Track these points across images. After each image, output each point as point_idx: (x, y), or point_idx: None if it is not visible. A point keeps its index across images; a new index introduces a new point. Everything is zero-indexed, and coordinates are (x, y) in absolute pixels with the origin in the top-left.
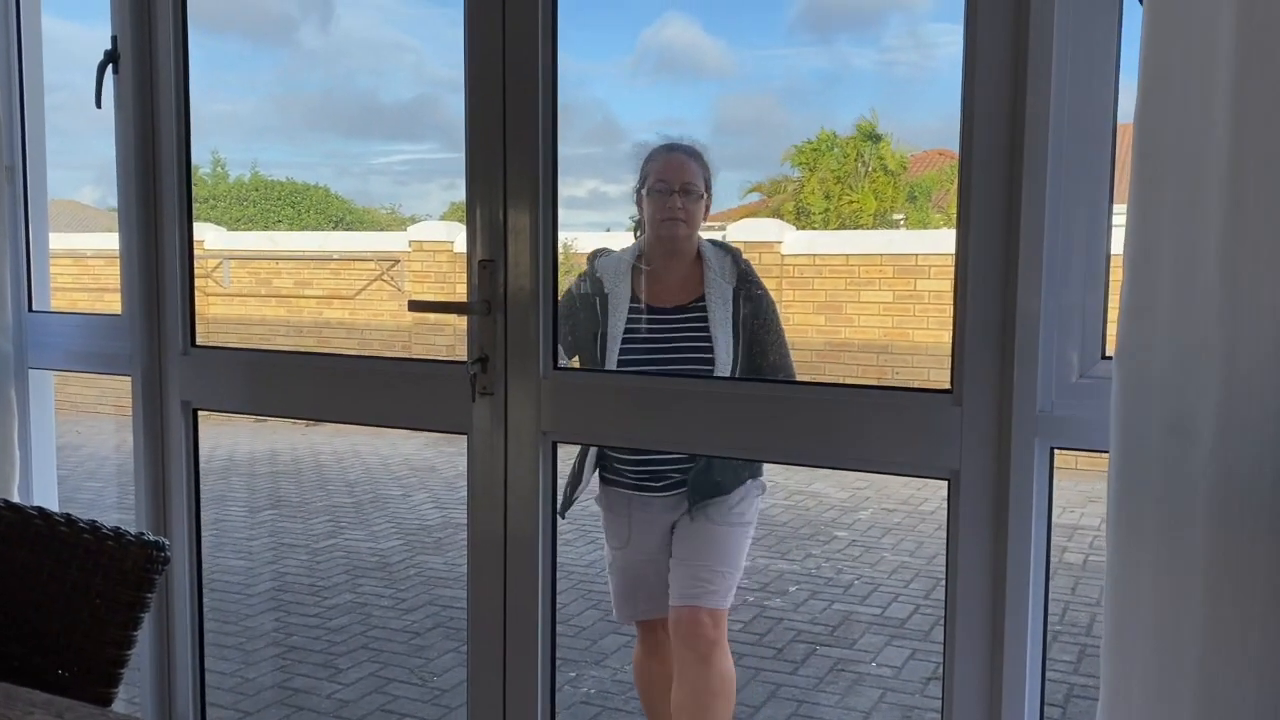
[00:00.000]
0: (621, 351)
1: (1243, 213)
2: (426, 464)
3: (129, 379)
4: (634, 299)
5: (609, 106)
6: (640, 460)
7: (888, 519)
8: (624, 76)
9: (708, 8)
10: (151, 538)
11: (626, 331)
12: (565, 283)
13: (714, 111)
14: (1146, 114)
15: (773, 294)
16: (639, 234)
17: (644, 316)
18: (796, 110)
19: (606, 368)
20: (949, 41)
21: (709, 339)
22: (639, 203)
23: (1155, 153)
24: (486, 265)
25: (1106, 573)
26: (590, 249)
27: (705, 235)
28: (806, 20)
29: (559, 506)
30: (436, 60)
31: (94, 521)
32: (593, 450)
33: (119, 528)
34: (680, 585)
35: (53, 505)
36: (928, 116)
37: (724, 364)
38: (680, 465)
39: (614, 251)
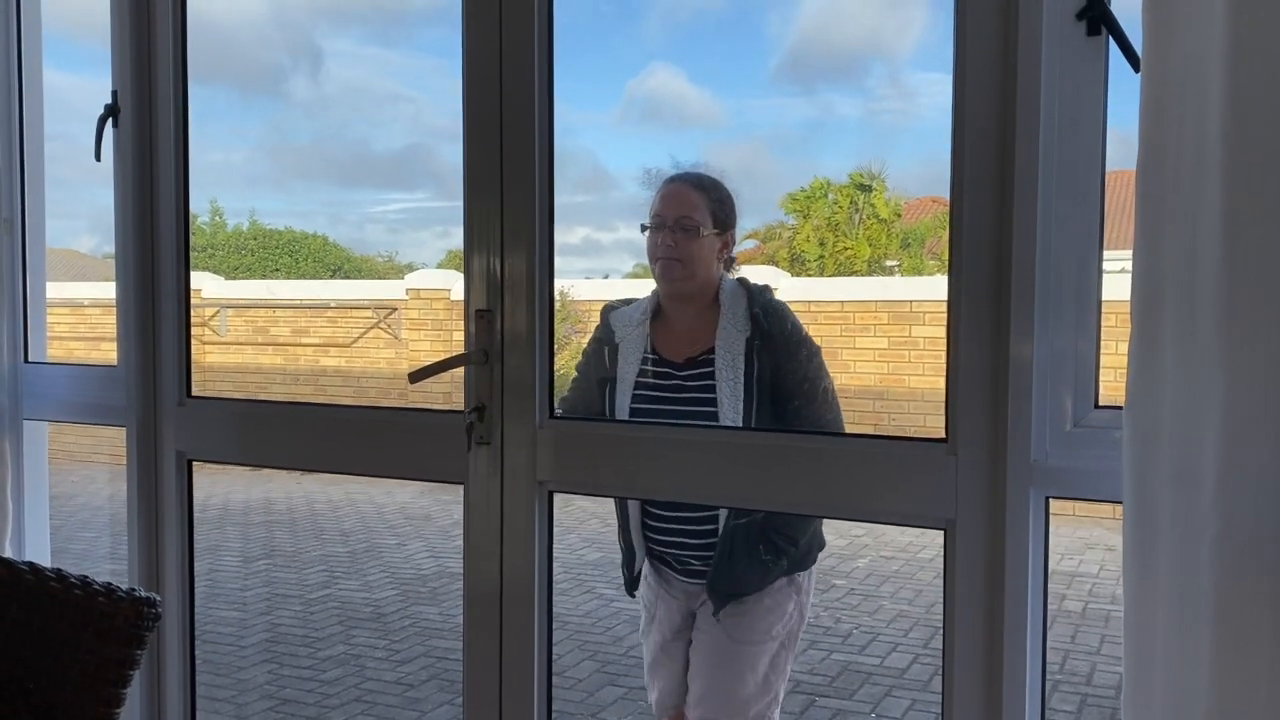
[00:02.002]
0: (632, 411)
1: (1237, 262)
2: (422, 512)
3: (124, 429)
4: (650, 352)
5: (597, 155)
6: (662, 533)
7: (886, 567)
8: (611, 125)
9: (692, 58)
10: (143, 594)
11: (638, 386)
12: (561, 330)
13: (701, 160)
14: (1147, 168)
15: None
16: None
17: (655, 369)
18: (784, 158)
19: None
20: (932, 90)
21: (714, 399)
22: None
23: (1156, 204)
24: (484, 315)
25: (1124, 622)
26: (604, 301)
27: (737, 274)
28: (788, 70)
29: (625, 584)
30: (429, 110)
31: (85, 577)
32: (633, 514)
33: (110, 584)
34: (696, 703)
35: (45, 557)
36: (912, 163)
37: (731, 424)
38: (701, 554)
39: (632, 300)
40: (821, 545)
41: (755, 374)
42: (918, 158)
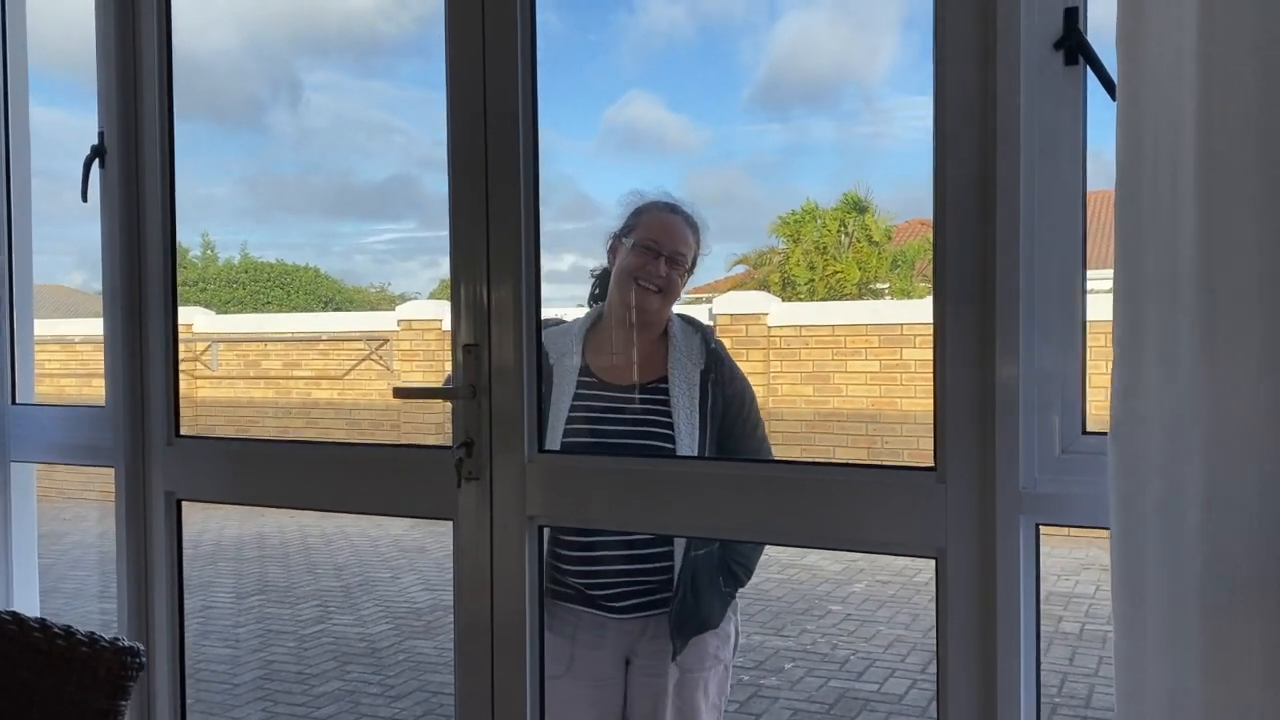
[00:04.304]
0: (566, 433)
1: (1216, 286)
2: (416, 544)
3: (113, 470)
4: (584, 373)
5: (577, 183)
6: (585, 564)
7: (882, 591)
8: (590, 153)
9: (668, 86)
10: (125, 643)
11: (573, 409)
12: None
13: (683, 186)
14: (1125, 195)
15: (750, 375)
16: (594, 303)
17: (594, 393)
18: (764, 183)
19: (548, 448)
20: (907, 113)
21: (670, 423)
22: (613, 250)
23: (1135, 231)
24: (471, 349)
25: (1114, 649)
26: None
27: (678, 309)
28: (763, 96)
29: None
30: (412, 141)
31: (68, 627)
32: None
33: (93, 633)
34: None
35: (33, 601)
36: (891, 185)
37: (686, 450)
38: (643, 581)
39: (563, 322)
40: None
41: (709, 405)
42: (895, 180)
